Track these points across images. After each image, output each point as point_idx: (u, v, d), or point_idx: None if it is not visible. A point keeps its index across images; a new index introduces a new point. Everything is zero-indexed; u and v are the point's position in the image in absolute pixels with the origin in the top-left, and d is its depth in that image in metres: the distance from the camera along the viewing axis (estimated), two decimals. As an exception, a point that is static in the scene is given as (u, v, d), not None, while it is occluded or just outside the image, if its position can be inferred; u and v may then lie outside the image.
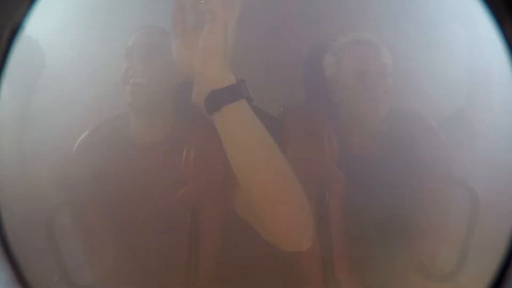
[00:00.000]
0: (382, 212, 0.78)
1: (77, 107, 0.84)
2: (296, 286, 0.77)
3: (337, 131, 0.79)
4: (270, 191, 0.62)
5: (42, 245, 0.78)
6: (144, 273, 0.81)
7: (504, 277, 0.58)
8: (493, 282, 0.58)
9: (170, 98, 0.84)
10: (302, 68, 0.89)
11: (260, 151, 0.61)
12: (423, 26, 0.85)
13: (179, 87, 0.84)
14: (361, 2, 0.93)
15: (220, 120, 0.61)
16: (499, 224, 0.68)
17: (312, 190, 0.73)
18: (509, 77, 0.63)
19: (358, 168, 0.80)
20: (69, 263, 0.79)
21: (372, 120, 0.84)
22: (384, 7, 0.89)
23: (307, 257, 0.71)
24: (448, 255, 0.80)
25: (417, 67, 0.83)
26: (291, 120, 0.81)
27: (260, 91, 0.79)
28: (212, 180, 0.73)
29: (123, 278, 0.82)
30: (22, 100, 0.80)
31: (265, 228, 0.64)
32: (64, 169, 0.83)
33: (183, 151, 0.76)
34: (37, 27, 0.67)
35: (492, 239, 0.71)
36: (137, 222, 0.81)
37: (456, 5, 0.87)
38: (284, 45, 0.91)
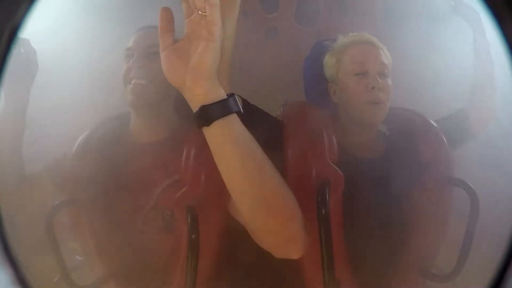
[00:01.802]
0: (381, 212, 0.78)
1: (77, 107, 0.84)
2: (296, 286, 0.77)
3: (337, 131, 0.79)
4: (260, 205, 0.61)
5: (42, 245, 0.78)
6: (144, 273, 0.81)
7: (504, 277, 0.58)
8: (493, 282, 0.58)
9: (171, 98, 0.84)
10: (302, 68, 0.90)
11: (249, 166, 0.60)
12: (423, 27, 0.85)
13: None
14: (361, 2, 0.93)
15: (209, 135, 0.60)
16: (499, 224, 0.68)
17: (312, 190, 0.73)
18: (509, 77, 0.63)
19: (358, 168, 0.80)
20: (69, 263, 0.79)
21: (372, 121, 0.84)
22: (384, 7, 0.89)
23: (307, 257, 0.71)
24: (448, 255, 0.80)
25: (417, 67, 0.83)
26: (291, 120, 0.81)
27: (260, 91, 0.79)
28: (211, 181, 0.73)
29: (123, 278, 0.82)
30: (22, 100, 0.80)
31: (255, 236, 0.64)
32: (63, 169, 0.83)
33: (183, 151, 0.76)
34: (36, 28, 0.67)
35: (492, 239, 0.71)
36: (137, 222, 0.81)
37: (456, 6, 0.88)
38: (284, 45, 0.91)
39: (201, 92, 0.59)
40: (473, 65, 0.86)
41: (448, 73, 0.82)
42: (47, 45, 0.82)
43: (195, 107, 0.59)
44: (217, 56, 0.59)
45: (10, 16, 0.59)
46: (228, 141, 0.60)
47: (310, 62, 0.89)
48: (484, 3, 0.58)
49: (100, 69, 0.84)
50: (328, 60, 0.86)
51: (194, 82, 0.58)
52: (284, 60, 0.87)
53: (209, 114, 0.59)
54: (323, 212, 0.71)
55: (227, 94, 0.60)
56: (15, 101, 0.78)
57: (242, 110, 0.60)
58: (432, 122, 0.84)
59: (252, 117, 0.66)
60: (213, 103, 0.58)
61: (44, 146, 0.84)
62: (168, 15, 0.61)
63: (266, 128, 0.68)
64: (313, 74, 0.88)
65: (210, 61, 0.58)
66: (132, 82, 0.81)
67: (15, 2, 0.59)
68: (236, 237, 0.70)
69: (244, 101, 0.70)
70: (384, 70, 0.82)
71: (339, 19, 0.90)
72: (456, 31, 0.87)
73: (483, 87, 0.86)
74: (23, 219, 0.78)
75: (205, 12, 0.58)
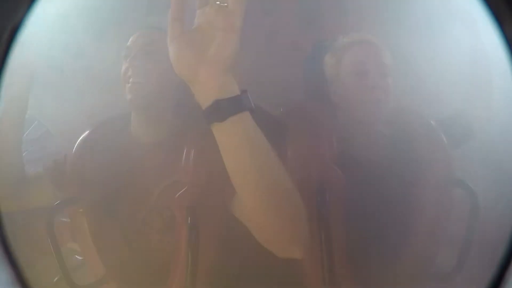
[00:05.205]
0: (381, 212, 0.78)
1: (77, 107, 0.84)
2: (296, 286, 0.77)
3: (337, 131, 0.79)
4: (268, 203, 0.60)
5: (42, 245, 0.78)
6: (144, 273, 0.81)
7: (504, 277, 0.58)
8: (493, 282, 0.58)
9: (170, 98, 0.84)
10: (302, 68, 0.90)
11: (262, 164, 0.59)
12: (423, 26, 0.85)
13: (179, 87, 0.85)
14: (361, 3, 0.93)
15: (221, 131, 0.57)
16: (499, 224, 0.68)
17: (312, 190, 0.73)
18: (509, 77, 0.63)
19: (357, 168, 0.80)
20: (69, 263, 0.79)
21: (372, 120, 0.84)
22: (384, 7, 0.89)
23: (307, 257, 0.71)
24: (448, 255, 0.80)
25: (417, 67, 0.83)
26: (291, 120, 0.81)
27: (260, 91, 0.79)
28: (212, 181, 0.73)
29: (123, 278, 0.82)
30: (22, 102, 0.80)
31: (260, 236, 0.64)
32: (63, 169, 0.83)
33: (183, 151, 0.76)
34: (37, 27, 0.67)
35: (492, 239, 0.71)
36: (137, 222, 0.81)
37: (456, 5, 0.88)
38: (284, 45, 0.91)
39: (216, 85, 0.56)
40: (473, 64, 0.86)
41: (448, 73, 0.82)
42: (49, 45, 0.82)
43: (206, 102, 0.56)
44: (236, 49, 0.57)
45: (10, 16, 0.59)
46: (242, 138, 0.58)
47: (310, 62, 0.89)
48: (484, 3, 0.58)
49: (101, 69, 0.84)
50: (328, 60, 0.86)
51: (210, 75, 0.56)
52: (284, 60, 0.87)
53: (224, 109, 0.56)
54: (323, 212, 0.71)
55: (241, 91, 0.58)
56: (15, 103, 0.78)
57: (254, 108, 0.58)
58: (432, 122, 0.84)
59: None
60: (227, 98, 0.56)
61: (44, 146, 0.84)
62: (181, 3, 0.58)
63: (266, 128, 0.68)
64: (313, 74, 0.88)
65: (229, 54, 0.55)
66: (130, 81, 0.81)
67: (15, 2, 0.59)
68: (236, 237, 0.70)
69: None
70: (384, 70, 0.82)
71: (339, 19, 0.90)
72: (455, 31, 0.87)
73: (483, 87, 0.86)
74: (23, 219, 0.78)
75: (225, 3, 0.56)
